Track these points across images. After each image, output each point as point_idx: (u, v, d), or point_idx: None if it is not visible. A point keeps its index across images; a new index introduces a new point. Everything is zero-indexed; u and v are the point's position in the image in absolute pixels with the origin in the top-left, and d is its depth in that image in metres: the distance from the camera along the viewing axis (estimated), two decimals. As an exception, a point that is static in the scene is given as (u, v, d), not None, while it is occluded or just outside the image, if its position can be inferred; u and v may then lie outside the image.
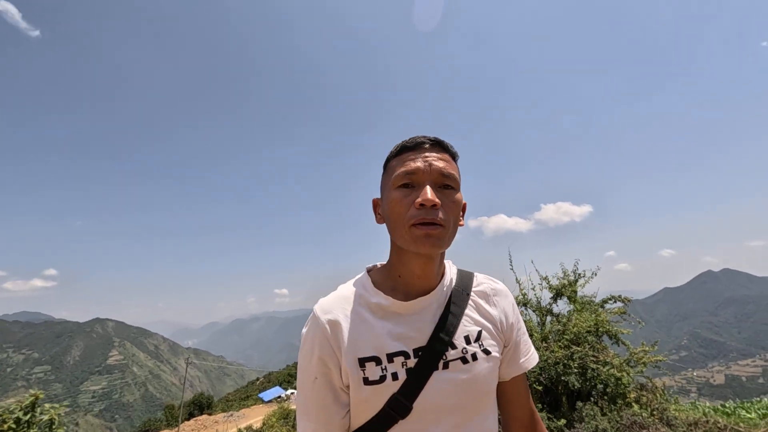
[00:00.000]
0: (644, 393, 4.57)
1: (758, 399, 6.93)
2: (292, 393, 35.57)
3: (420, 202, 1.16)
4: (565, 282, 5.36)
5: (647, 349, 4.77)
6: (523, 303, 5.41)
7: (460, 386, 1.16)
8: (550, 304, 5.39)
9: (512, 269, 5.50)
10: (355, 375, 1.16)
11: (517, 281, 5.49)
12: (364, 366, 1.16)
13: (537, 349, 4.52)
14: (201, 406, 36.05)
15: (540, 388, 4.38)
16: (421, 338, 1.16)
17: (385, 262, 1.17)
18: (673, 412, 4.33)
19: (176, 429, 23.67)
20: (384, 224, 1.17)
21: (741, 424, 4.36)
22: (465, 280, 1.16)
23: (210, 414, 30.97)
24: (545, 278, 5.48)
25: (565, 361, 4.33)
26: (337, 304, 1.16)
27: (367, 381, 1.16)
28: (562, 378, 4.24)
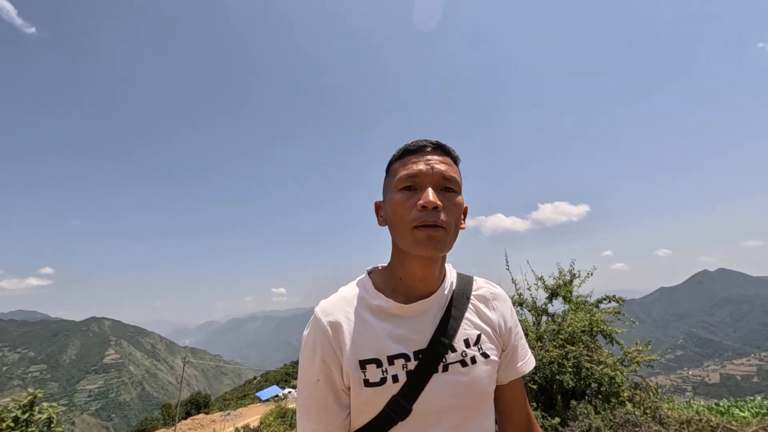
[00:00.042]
0: (638, 392, 4.63)
1: (752, 398, 6.99)
2: (290, 392, 35.59)
3: (422, 204, 1.18)
4: (561, 282, 5.40)
5: (641, 348, 4.83)
6: (518, 303, 5.44)
7: (459, 389, 1.18)
8: (546, 304, 5.44)
9: (508, 269, 5.55)
10: (355, 377, 1.18)
11: (513, 281, 5.53)
12: (365, 368, 1.18)
13: (532, 348, 4.56)
14: (198, 405, 36.00)
15: (535, 386, 4.43)
16: (422, 341, 1.18)
17: (386, 264, 1.18)
18: (666, 410, 4.38)
19: (173, 428, 23.64)
20: (385, 227, 1.18)
21: (733, 423, 4.42)
22: (465, 283, 1.18)
23: (207, 413, 30.95)
24: (540, 278, 5.52)
25: (560, 361, 4.37)
26: (338, 305, 1.18)
27: (367, 383, 1.18)
28: (557, 377, 4.29)
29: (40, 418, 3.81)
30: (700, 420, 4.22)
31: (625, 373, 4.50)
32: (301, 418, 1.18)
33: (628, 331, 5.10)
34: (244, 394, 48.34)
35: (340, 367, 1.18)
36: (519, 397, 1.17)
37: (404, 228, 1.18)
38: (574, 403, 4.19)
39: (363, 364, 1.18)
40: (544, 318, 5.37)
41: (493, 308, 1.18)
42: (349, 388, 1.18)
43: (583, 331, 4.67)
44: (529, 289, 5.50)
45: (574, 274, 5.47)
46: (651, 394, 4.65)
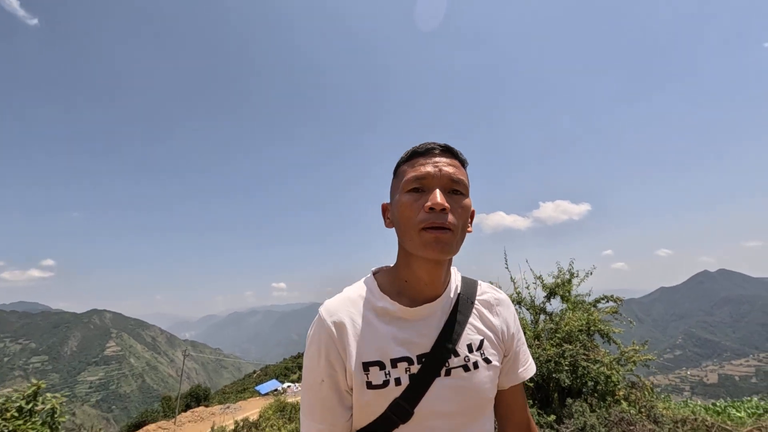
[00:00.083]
0: (634, 391, 4.67)
1: (748, 398, 7.02)
2: (289, 386, 35.77)
3: (429, 205, 1.18)
4: (559, 281, 5.43)
5: (638, 348, 4.86)
6: (517, 301, 5.48)
7: (461, 393, 1.18)
8: (544, 303, 5.47)
9: (507, 268, 5.58)
10: (358, 378, 1.18)
11: (512, 280, 5.55)
12: (368, 370, 1.18)
13: (529, 347, 4.60)
14: (198, 397, 36.18)
15: (531, 384, 4.47)
16: (426, 345, 1.18)
17: (391, 265, 1.18)
18: (661, 409, 4.42)
19: (173, 420, 23.81)
20: (392, 228, 1.18)
21: (728, 422, 4.45)
22: (470, 288, 1.18)
23: (207, 406, 31.10)
24: (539, 277, 5.55)
25: (557, 359, 4.41)
26: (343, 306, 1.18)
27: (370, 385, 1.18)
28: (553, 375, 4.33)
29: (43, 408, 3.86)
30: (696, 419, 4.26)
31: (621, 372, 4.54)
32: (305, 417, 1.18)
33: (628, 330, 5.13)
34: (243, 388, 48.57)
35: (344, 369, 1.18)
36: (519, 402, 1.18)
37: (412, 229, 1.18)
38: (570, 401, 4.23)
39: (366, 366, 1.18)
40: (542, 317, 5.41)
41: (496, 314, 1.18)
42: (351, 389, 1.18)
43: (580, 330, 4.70)
44: (527, 287, 5.53)
45: (573, 274, 5.50)
46: (647, 393, 4.69)
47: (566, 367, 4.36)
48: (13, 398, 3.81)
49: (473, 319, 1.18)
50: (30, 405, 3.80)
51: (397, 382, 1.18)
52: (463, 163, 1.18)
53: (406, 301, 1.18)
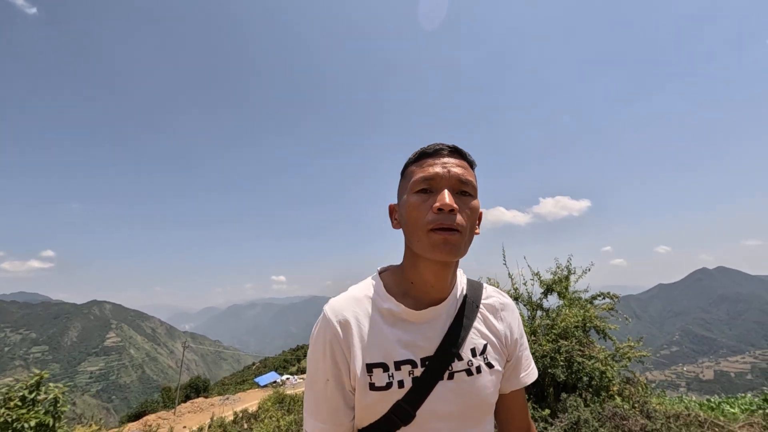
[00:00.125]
0: (628, 386, 4.73)
1: (743, 395, 7.10)
2: (288, 378, 36.07)
3: (438, 206, 1.16)
4: (556, 278, 5.47)
5: (633, 344, 4.91)
6: (514, 297, 5.52)
7: (463, 397, 1.17)
8: (541, 299, 5.51)
9: (505, 264, 5.60)
10: (361, 379, 1.17)
11: (510, 276, 5.59)
12: (372, 371, 1.17)
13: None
14: (197, 388, 36.46)
15: (527, 379, 4.52)
16: (430, 348, 1.17)
17: (396, 265, 1.17)
18: (655, 405, 4.48)
19: (173, 410, 24.03)
20: (399, 229, 1.17)
21: (721, 418, 4.51)
22: (475, 291, 1.17)
23: (206, 397, 31.37)
24: (537, 274, 5.59)
25: (552, 355, 4.47)
26: (348, 306, 1.17)
27: (372, 386, 1.17)
28: (549, 370, 4.39)
29: (46, 398, 3.92)
30: (689, 415, 4.32)
31: (616, 368, 4.60)
32: (309, 415, 1.17)
33: (625, 326, 5.17)
34: (242, 380, 48.91)
35: (348, 369, 1.17)
36: (520, 407, 1.17)
37: (420, 230, 1.16)
38: (564, 395, 4.29)
39: (370, 367, 1.17)
40: (539, 313, 5.45)
41: (501, 318, 1.17)
42: (354, 390, 1.17)
43: (576, 327, 4.75)
44: (525, 284, 5.58)
45: (571, 270, 5.54)
46: (641, 388, 4.76)
47: (562, 363, 4.41)
48: (16, 388, 3.87)
49: (478, 323, 1.16)
50: (33, 394, 3.86)
51: (400, 384, 1.17)
52: (471, 165, 1.17)
53: (412, 302, 1.16)
